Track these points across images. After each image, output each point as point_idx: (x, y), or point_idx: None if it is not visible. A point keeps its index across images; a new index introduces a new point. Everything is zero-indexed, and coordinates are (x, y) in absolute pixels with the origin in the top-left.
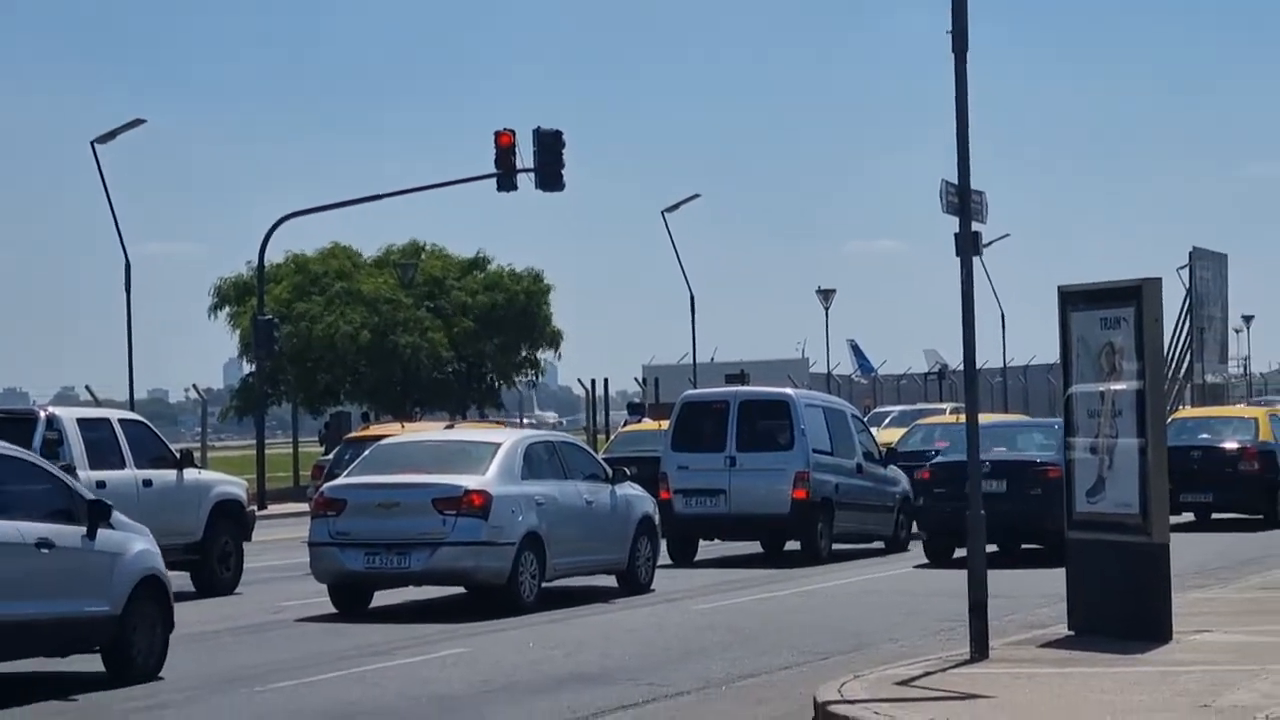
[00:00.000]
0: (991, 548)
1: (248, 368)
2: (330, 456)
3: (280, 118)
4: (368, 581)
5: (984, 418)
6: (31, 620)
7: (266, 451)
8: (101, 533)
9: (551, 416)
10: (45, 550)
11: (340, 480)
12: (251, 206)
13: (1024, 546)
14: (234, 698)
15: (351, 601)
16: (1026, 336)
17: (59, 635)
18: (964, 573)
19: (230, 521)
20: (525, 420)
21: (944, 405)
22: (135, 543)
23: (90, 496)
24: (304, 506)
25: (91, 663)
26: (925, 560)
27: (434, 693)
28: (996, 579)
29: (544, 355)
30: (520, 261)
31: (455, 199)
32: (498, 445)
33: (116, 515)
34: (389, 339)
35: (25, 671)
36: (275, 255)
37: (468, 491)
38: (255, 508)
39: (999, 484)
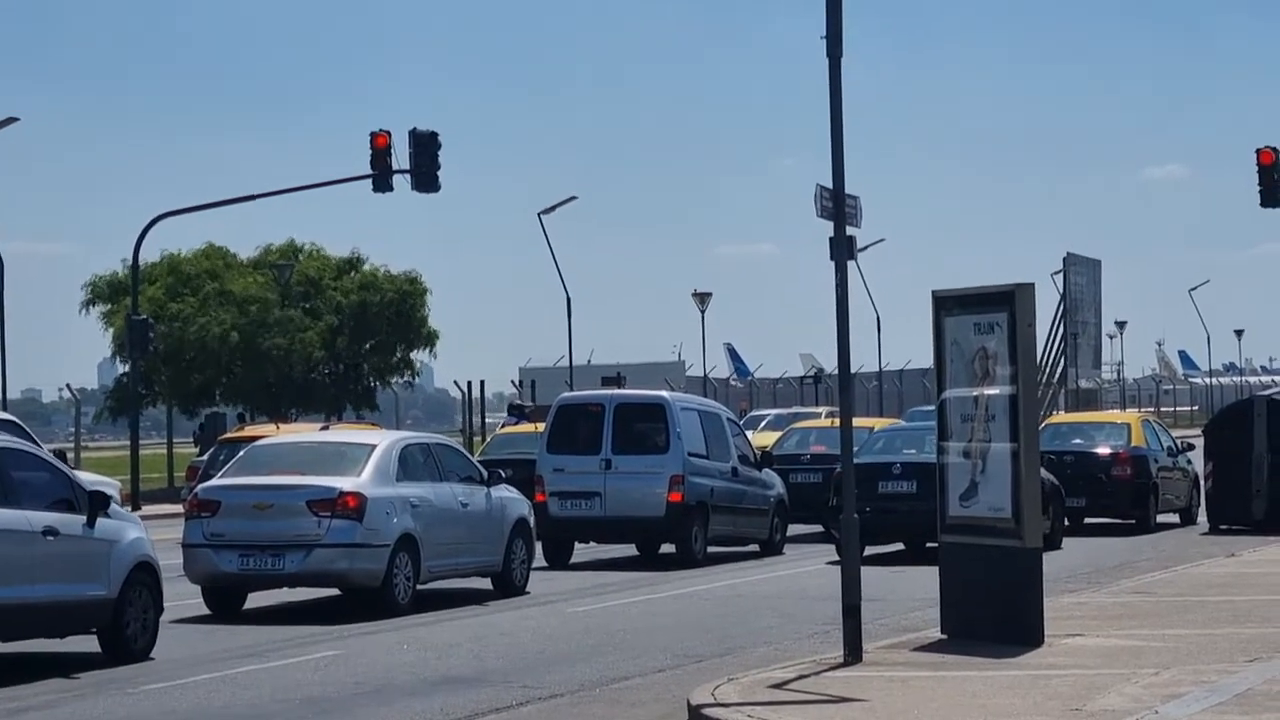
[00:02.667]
0: (899, 546)
1: (122, 368)
2: (205, 457)
3: (157, 115)
4: (242, 583)
5: (889, 422)
6: (39, 603)
7: (141, 452)
8: (100, 521)
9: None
10: (51, 538)
11: (214, 481)
12: (127, 205)
13: (930, 545)
14: (104, 700)
15: (225, 603)
16: (902, 341)
17: (62, 617)
18: (838, 576)
19: None
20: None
21: (820, 409)
22: (130, 531)
23: (90, 488)
24: (179, 508)
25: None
26: (822, 561)
27: (307, 695)
28: (871, 582)
29: (420, 356)
30: (399, 262)
31: (334, 199)
32: (373, 447)
33: (113, 505)
34: (260, 339)
35: (23, 652)
36: (151, 254)
37: (342, 493)
38: (129, 509)
39: (909, 484)
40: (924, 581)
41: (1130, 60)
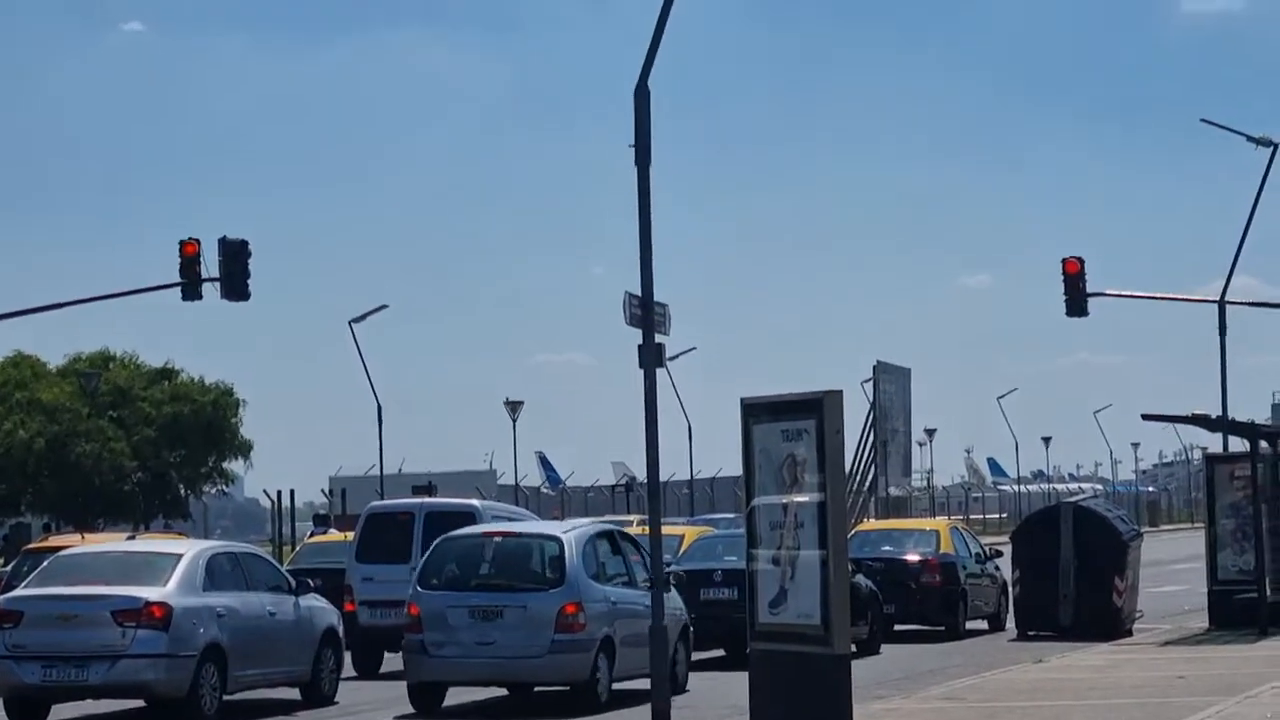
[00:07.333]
0: (720, 652)
1: None
2: (9, 568)
3: None
4: (45, 695)
5: (701, 530)
6: None
7: None
8: None
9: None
10: None
11: (17, 592)
12: None
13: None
14: None
15: (28, 715)
16: (714, 448)
17: None
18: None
19: None
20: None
21: (631, 517)
22: None
23: None
24: None
25: None
26: None
27: None
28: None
29: (233, 466)
30: (213, 371)
31: (150, 308)
32: (179, 556)
33: None
34: (68, 449)
35: None
36: None
37: (148, 603)
38: None
39: (730, 591)
40: (738, 688)
41: (941, 171)
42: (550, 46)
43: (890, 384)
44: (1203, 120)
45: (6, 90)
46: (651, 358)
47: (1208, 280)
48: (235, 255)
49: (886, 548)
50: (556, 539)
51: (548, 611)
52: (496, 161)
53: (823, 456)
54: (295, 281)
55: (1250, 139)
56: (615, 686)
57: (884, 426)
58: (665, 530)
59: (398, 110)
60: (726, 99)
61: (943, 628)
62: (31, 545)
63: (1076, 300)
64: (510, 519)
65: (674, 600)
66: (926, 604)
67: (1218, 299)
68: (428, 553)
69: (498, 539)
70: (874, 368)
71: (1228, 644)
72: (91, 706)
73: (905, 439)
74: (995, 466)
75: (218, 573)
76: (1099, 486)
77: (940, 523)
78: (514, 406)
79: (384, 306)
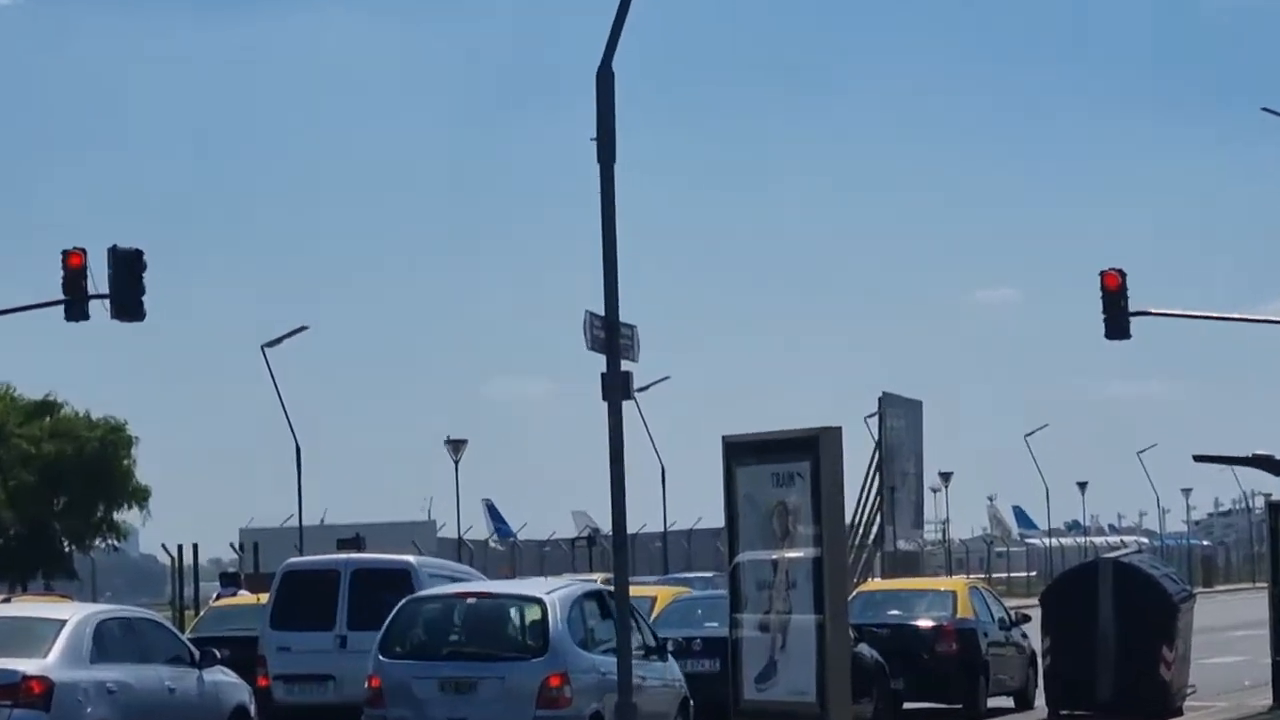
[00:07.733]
0: None
1: None
2: None
3: None
4: None
5: (676, 591)
6: None
7: None
8: None
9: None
10: None
11: None
12: None
13: None
14: None
15: None
16: (692, 495)
17: None
18: None
19: None
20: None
21: (595, 575)
22: None
23: None
24: None
25: None
26: None
27: None
28: None
29: (125, 517)
30: (103, 406)
31: (27, 331)
32: (62, 623)
33: None
34: None
35: None
36: None
37: (25, 678)
38: None
39: (711, 663)
40: None
41: (953, 170)
42: (494, 42)
43: (899, 419)
44: (1264, 109)
45: None
46: (617, 388)
47: (1270, 299)
48: (128, 268)
49: (894, 612)
50: (539, 601)
51: (529, 684)
52: (432, 161)
53: (819, 504)
54: (198, 299)
55: None
56: None
57: (891, 469)
58: (635, 591)
59: (317, 99)
60: (715, 94)
61: (960, 706)
62: None
63: (1117, 320)
64: (453, 578)
65: (672, 670)
66: (941, 678)
67: None
68: (391, 616)
69: (471, 600)
70: (879, 400)
71: None
72: None
73: (916, 483)
74: (1022, 516)
75: (108, 641)
76: (1144, 540)
77: (958, 582)
78: (456, 446)
79: (303, 329)
